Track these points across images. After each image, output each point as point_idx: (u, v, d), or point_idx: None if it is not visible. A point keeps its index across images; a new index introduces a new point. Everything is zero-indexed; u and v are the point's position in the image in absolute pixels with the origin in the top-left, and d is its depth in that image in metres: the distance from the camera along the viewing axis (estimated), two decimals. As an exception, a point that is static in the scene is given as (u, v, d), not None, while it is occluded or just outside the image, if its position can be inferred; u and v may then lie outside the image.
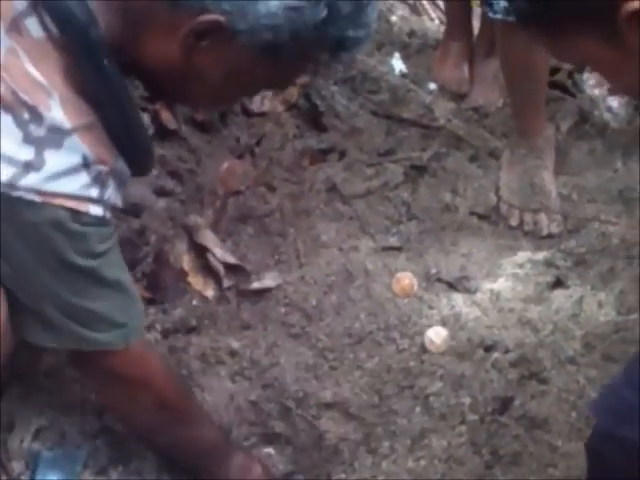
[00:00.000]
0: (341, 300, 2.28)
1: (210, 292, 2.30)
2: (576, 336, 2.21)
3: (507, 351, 2.18)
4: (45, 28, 1.39)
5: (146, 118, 2.39)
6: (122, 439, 1.94)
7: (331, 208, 2.54)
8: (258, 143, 2.64)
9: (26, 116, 1.37)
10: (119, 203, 1.52)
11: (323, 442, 2.04)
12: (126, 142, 1.48)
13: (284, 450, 2.05)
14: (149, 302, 2.17)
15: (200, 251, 2.34)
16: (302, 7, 1.36)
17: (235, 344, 2.17)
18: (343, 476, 1.99)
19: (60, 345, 1.62)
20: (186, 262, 2.32)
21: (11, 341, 1.53)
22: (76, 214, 1.42)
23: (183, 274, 2.30)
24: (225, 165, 2.54)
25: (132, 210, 2.26)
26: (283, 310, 2.26)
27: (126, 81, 1.48)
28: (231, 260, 2.34)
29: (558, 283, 2.37)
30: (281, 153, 2.63)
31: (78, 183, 1.41)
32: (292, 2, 1.36)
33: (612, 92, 2.72)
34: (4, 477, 1.85)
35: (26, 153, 1.37)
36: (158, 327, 2.16)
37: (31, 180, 1.37)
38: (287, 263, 2.39)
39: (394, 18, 3.27)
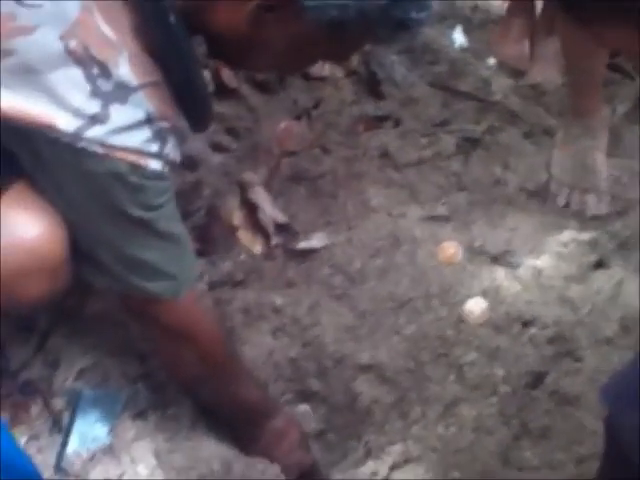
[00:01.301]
0: (385, 265, 2.30)
1: (258, 248, 2.33)
2: (614, 317, 2.20)
3: (545, 327, 2.18)
4: None
5: (207, 75, 2.43)
6: (162, 385, 1.98)
7: (383, 174, 2.55)
8: (316, 106, 2.67)
9: (95, 71, 1.41)
10: (177, 159, 1.56)
11: (356, 403, 2.06)
12: (187, 100, 1.53)
13: (318, 408, 2.08)
14: (199, 254, 2.19)
15: (251, 208, 2.37)
16: None
17: (278, 301, 2.20)
18: (373, 437, 2.01)
19: (111, 287, 1.66)
20: (237, 217, 2.36)
21: (69, 272, 1.58)
22: (136, 167, 1.46)
23: (233, 229, 2.33)
24: (282, 125, 2.57)
25: (188, 164, 2.30)
26: (327, 271, 2.28)
27: (192, 41, 1.52)
28: (281, 219, 2.37)
29: (600, 264, 2.36)
30: (338, 117, 2.66)
31: (140, 138, 1.46)
32: None
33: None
34: (47, 412, 1.90)
35: (93, 106, 1.42)
36: (206, 279, 2.20)
37: (96, 132, 1.42)
38: (336, 225, 2.41)
39: (458, -7, 3.27)
